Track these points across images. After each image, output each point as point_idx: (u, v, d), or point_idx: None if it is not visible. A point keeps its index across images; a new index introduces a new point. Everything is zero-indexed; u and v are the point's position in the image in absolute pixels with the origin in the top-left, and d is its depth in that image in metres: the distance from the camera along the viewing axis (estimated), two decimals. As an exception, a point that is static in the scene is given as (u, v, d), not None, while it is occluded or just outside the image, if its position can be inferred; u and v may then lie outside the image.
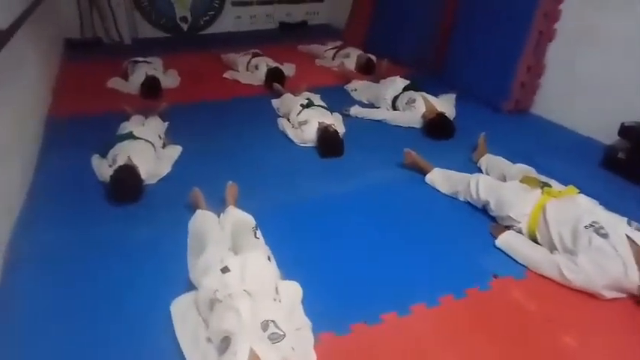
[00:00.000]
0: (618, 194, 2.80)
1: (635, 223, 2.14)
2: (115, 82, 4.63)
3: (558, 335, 1.90)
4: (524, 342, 1.88)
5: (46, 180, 3.00)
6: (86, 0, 6.15)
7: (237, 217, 2.39)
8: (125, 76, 4.71)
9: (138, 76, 4.48)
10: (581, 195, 2.36)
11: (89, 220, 2.61)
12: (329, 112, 3.66)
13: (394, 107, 4.01)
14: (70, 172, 3.08)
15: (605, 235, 2.07)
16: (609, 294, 2.04)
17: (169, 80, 4.70)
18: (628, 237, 2.06)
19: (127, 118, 3.55)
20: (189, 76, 4.89)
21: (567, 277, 2.08)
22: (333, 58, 5.44)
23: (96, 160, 3.09)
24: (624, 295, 2.06)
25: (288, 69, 4.95)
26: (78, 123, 3.81)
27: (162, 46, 5.97)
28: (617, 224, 2.13)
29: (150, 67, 4.71)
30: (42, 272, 2.21)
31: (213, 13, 7.00)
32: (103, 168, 2.92)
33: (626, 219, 2.17)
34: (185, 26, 6.91)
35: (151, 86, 4.35)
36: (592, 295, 2.06)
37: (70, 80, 4.83)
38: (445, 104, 3.83)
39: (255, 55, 5.09)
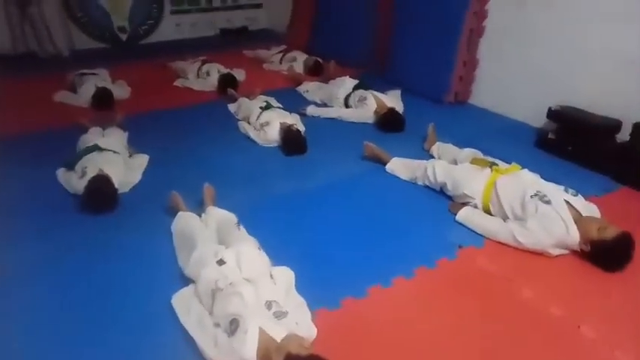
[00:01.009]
0: (551, 168, 3.18)
1: (571, 190, 2.51)
2: (63, 96, 4.54)
3: (518, 290, 2.21)
4: (491, 299, 2.16)
5: (7, 198, 2.92)
6: (16, 12, 5.91)
7: (220, 215, 2.52)
8: (72, 89, 4.62)
9: (87, 88, 4.42)
10: (525, 170, 2.71)
11: (63, 231, 2.61)
12: (288, 113, 3.84)
13: (346, 105, 4.25)
14: (32, 188, 3.03)
15: (548, 202, 2.41)
16: (556, 251, 2.38)
17: (120, 91, 4.66)
18: (567, 202, 2.41)
19: (84, 131, 3.53)
20: (139, 86, 4.87)
21: (520, 240, 2.40)
22: (280, 62, 5.61)
23: (62, 174, 3.08)
24: (567, 252, 2.40)
25: (239, 74, 5.06)
26: (27, 140, 3.71)
27: (102, 58, 5.82)
28: (557, 192, 2.48)
29: (98, 78, 4.66)
30: (26, 286, 2.21)
31: (152, 21, 6.94)
32: (73, 180, 2.92)
33: (563, 187, 2.53)
34: (124, 36, 6.80)
35: (103, 97, 4.32)
36: (541, 254, 2.39)
37: (10, 97, 4.64)
38: (393, 100, 4.13)
39: (204, 61, 5.16)
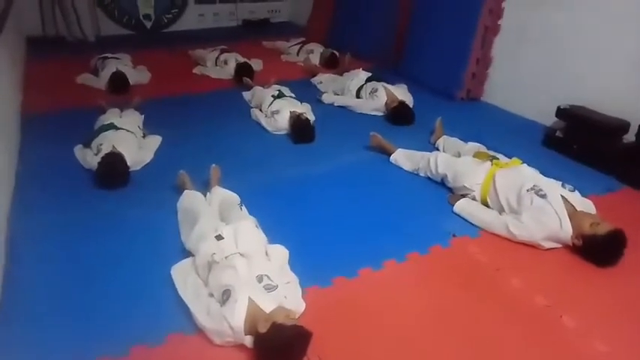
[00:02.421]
0: (556, 166, 3.17)
1: (568, 185, 2.53)
2: (84, 78, 4.73)
3: (507, 279, 2.25)
4: (479, 286, 2.21)
5: (30, 170, 3.11)
6: (48, -1, 6.16)
7: (224, 194, 2.63)
8: (94, 72, 4.80)
9: (108, 72, 4.58)
10: (525, 165, 2.74)
11: (79, 202, 2.78)
12: (299, 102, 3.92)
13: (358, 97, 4.32)
14: (53, 162, 3.21)
15: (544, 196, 2.44)
16: (548, 244, 2.41)
17: (140, 76, 4.83)
18: (562, 196, 2.44)
19: (102, 111, 3.69)
20: (159, 72, 5.03)
21: (513, 232, 2.44)
22: (297, 54, 5.71)
23: (79, 151, 3.24)
24: (560, 246, 2.43)
25: (256, 64, 5.18)
26: (52, 118, 3.91)
27: (126, 44, 5.99)
28: (553, 186, 2.51)
29: (119, 62, 4.83)
30: (43, 252, 2.37)
31: (176, 10, 7.12)
32: (89, 157, 3.07)
33: (560, 182, 2.55)
34: (149, 24, 7.00)
35: (118, 81, 4.47)
36: (533, 247, 2.43)
37: (38, 78, 4.85)
38: (404, 93, 4.17)
39: (223, 50, 5.28)
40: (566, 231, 2.36)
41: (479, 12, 4.23)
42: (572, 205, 2.43)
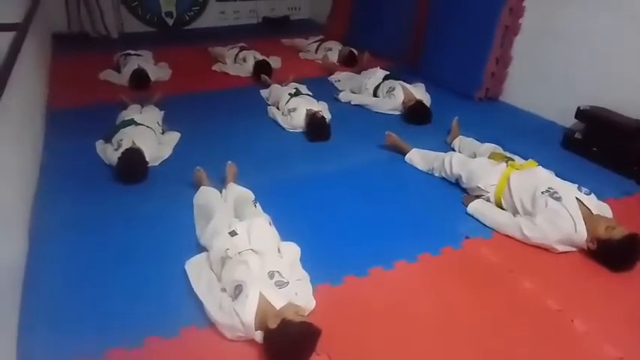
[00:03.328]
0: (574, 168, 3.15)
1: (584, 189, 2.50)
2: (107, 75, 4.83)
3: (519, 281, 2.24)
4: (490, 288, 2.21)
5: (53, 163, 3.20)
6: (74, -5, 6.30)
7: (239, 191, 2.67)
8: (117, 69, 4.90)
9: (130, 68, 4.67)
10: (540, 167, 2.71)
11: (99, 195, 2.87)
12: (315, 100, 3.95)
13: (375, 95, 4.32)
14: (75, 156, 3.30)
15: (558, 199, 2.42)
16: (561, 248, 2.39)
17: (161, 72, 4.91)
18: (578, 199, 2.42)
19: (124, 107, 3.77)
20: (180, 69, 5.11)
21: (526, 234, 2.43)
22: (316, 51, 5.72)
23: (100, 145, 3.33)
24: (574, 249, 2.41)
25: (274, 61, 5.21)
26: (76, 113, 4.01)
27: (148, 41, 6.10)
28: (568, 189, 2.48)
29: (141, 59, 4.91)
30: (64, 239, 2.47)
31: (197, 8, 7.19)
32: (109, 152, 3.15)
33: (576, 185, 2.52)
34: (170, 21, 7.09)
35: (139, 78, 4.56)
36: (547, 250, 2.41)
37: (63, 73, 4.97)
38: (421, 92, 4.16)
39: (242, 48, 5.33)
40: (581, 234, 2.33)
41: (499, 11, 4.18)
42: (588, 209, 2.40)
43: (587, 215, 2.37)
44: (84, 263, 2.30)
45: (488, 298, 2.16)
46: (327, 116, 3.79)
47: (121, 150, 3.03)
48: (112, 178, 3.02)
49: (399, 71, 4.57)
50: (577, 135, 3.49)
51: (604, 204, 2.51)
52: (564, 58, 3.88)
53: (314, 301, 2.02)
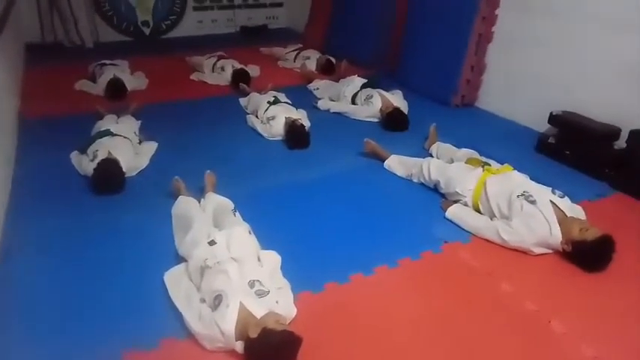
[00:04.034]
0: (548, 172, 3.20)
1: (558, 192, 2.56)
2: (83, 85, 4.76)
3: (497, 284, 2.27)
4: (469, 291, 2.24)
5: (27, 176, 3.13)
6: (46, 4, 6.19)
7: (217, 200, 2.65)
8: (92, 79, 4.83)
9: (106, 78, 4.61)
10: (515, 171, 2.76)
11: (74, 209, 2.80)
12: (294, 108, 3.96)
13: (353, 103, 4.36)
14: (49, 168, 3.23)
15: (533, 202, 2.47)
16: (538, 250, 2.43)
17: (137, 82, 4.86)
18: (552, 202, 2.47)
19: (99, 117, 3.72)
20: (157, 78, 5.07)
21: (504, 237, 2.47)
22: (294, 60, 5.75)
23: (76, 157, 3.26)
24: (550, 251, 2.45)
25: (253, 70, 5.22)
26: (49, 124, 3.93)
27: (125, 50, 6.05)
28: (543, 192, 2.53)
29: (117, 69, 4.86)
30: (36, 258, 2.39)
31: (174, 17, 7.17)
32: (84, 163, 3.10)
33: (550, 188, 2.58)
34: (147, 30, 7.04)
35: (115, 87, 4.51)
36: (524, 252, 2.45)
37: (37, 83, 4.89)
38: (398, 99, 4.21)
39: (220, 57, 5.32)
40: (556, 237, 2.38)
41: (473, 19, 4.27)
42: (562, 211, 2.45)
43: (562, 218, 2.43)
44: (58, 278, 2.24)
45: (468, 301, 2.18)
46: (307, 124, 3.81)
47: (97, 161, 2.98)
48: (88, 191, 2.96)
49: (377, 78, 4.60)
50: (550, 139, 3.57)
51: (577, 206, 2.57)
52: (537, 65, 3.98)
53: (295, 310, 2.02)
